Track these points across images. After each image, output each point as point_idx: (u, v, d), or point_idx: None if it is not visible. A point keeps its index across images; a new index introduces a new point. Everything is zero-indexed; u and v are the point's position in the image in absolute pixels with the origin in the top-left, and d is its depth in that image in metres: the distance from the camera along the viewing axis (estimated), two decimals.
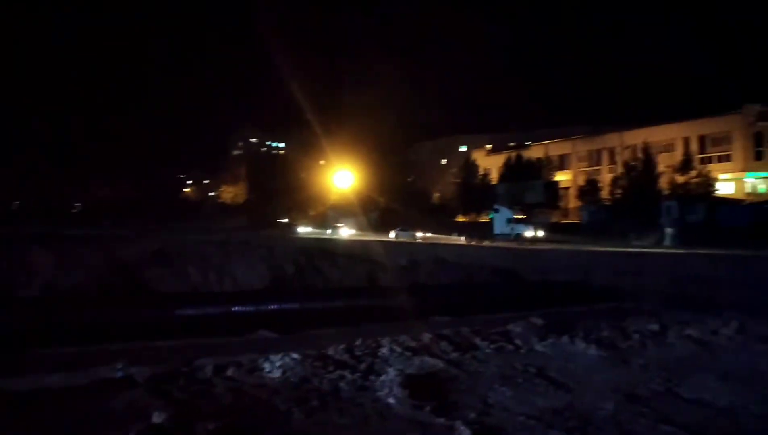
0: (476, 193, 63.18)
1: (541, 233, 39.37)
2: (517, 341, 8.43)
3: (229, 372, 6.49)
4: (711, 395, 6.00)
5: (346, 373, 6.40)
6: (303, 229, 64.13)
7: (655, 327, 9.84)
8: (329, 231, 55.24)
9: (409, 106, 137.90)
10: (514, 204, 56.72)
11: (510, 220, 40.07)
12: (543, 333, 8.84)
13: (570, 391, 6.05)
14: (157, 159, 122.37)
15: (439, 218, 60.97)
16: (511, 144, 76.49)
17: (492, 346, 8.10)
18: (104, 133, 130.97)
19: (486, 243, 37.37)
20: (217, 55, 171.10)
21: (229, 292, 21.36)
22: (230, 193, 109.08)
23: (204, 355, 7.15)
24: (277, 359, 6.75)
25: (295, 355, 6.85)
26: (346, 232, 54.47)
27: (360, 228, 57.12)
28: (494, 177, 66.62)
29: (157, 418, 4.72)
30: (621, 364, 7.34)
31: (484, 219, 62.43)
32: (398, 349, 7.52)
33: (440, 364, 7.01)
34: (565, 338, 8.50)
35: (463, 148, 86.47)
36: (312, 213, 75.24)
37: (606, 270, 25.43)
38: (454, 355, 7.47)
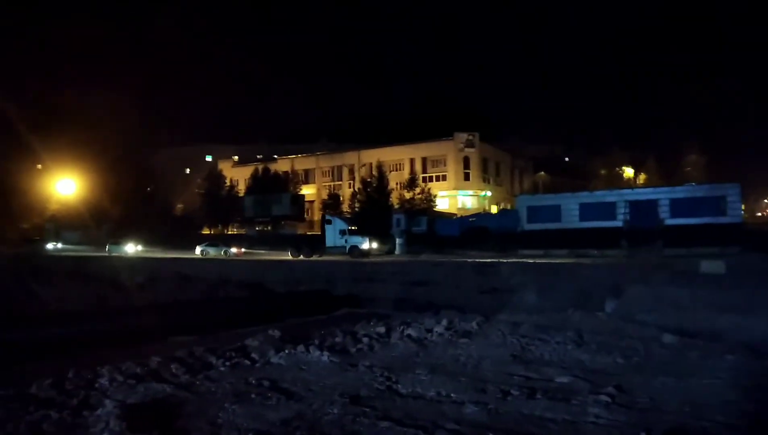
0: (222, 205, 61.62)
1: (375, 245, 36.76)
2: (254, 355, 8.38)
3: None
4: (422, 388, 6.76)
5: (52, 412, 5.55)
6: (53, 246, 53.96)
7: (381, 329, 10.78)
8: (108, 247, 46.11)
9: (149, 112, 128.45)
10: (261, 216, 56.82)
11: (344, 232, 35.98)
12: (280, 344, 8.96)
13: (301, 399, 6.21)
14: None
15: (183, 231, 57.81)
16: (259, 156, 76.66)
17: (227, 363, 7.90)
18: None
19: (315, 257, 35.00)
20: None
21: None
22: None
23: None
24: None
25: None
26: (131, 248, 46.33)
27: (148, 244, 49.47)
28: (241, 189, 65.95)
29: None
30: (350, 367, 7.82)
31: (233, 231, 61.20)
32: (120, 378, 6.81)
33: (168, 389, 6.55)
34: (300, 347, 8.74)
35: (209, 159, 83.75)
36: (25, 225, 64.28)
37: (347, 278, 27.19)
38: (184, 378, 7.06)
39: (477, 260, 28.32)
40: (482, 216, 45.83)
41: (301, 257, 35.54)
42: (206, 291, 25.77)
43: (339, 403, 5.97)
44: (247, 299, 23.39)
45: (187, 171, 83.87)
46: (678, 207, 32.10)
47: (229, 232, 60.37)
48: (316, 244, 36.76)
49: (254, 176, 64.28)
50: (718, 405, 6.02)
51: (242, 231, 58.67)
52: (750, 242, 28.84)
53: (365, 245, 35.58)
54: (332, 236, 36.20)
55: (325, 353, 8.46)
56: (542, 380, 7.21)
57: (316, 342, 9.25)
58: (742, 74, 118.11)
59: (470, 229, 38.92)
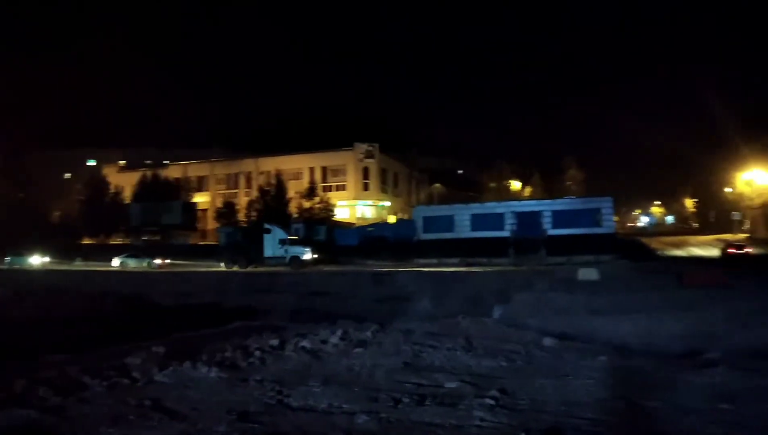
0: (105, 213, 57.48)
1: (316, 255, 34.78)
2: (135, 374, 7.85)
3: None
4: (315, 400, 6.67)
5: None
6: None
7: (275, 342, 10.54)
8: (8, 259, 39.88)
9: (23, 112, 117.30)
10: (149, 225, 53.74)
11: (284, 242, 34.03)
12: (164, 361, 8.48)
13: (185, 419, 5.90)
14: None
15: (61, 240, 53.26)
16: (148, 162, 72.46)
17: (105, 383, 7.34)
18: None
19: (249, 268, 33.02)
20: None
21: None
22: None
23: None
24: None
25: None
26: (36, 260, 40.48)
27: (54, 256, 43.50)
28: (127, 196, 61.98)
29: None
30: (240, 383, 7.55)
31: (116, 241, 57.25)
32: None
33: (34, 414, 5.96)
34: (187, 364, 8.32)
35: (91, 163, 77.98)
36: None
37: (240, 290, 26.40)
38: (54, 401, 6.47)
39: (375, 269, 28.69)
40: (380, 226, 46.48)
41: (236, 269, 33.58)
42: (85, 305, 23.91)
43: (226, 421, 5.74)
44: (130, 314, 21.99)
45: (67, 176, 77.57)
46: (559, 218, 34.48)
47: (113, 242, 56.44)
48: (254, 254, 34.55)
49: (142, 182, 60.56)
50: (590, 403, 6.48)
51: (127, 241, 55.08)
52: (621, 251, 31.63)
53: (307, 256, 33.97)
54: (271, 246, 34.31)
55: (214, 369, 8.11)
56: (432, 386, 7.38)
57: (204, 358, 8.87)
58: (615, 95, 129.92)
59: (369, 239, 39.37)
